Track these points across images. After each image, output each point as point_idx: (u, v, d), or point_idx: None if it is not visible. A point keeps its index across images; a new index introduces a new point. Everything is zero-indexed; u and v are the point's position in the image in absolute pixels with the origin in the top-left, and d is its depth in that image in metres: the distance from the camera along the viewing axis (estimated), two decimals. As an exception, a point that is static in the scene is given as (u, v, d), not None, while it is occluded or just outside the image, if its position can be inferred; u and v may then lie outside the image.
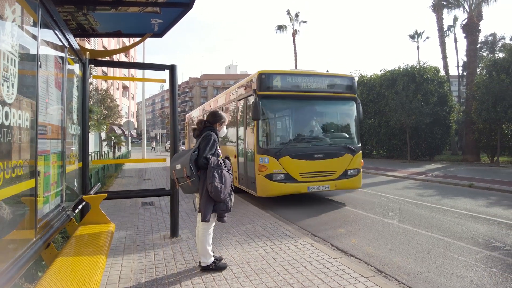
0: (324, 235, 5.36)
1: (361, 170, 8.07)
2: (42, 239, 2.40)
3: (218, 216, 3.57)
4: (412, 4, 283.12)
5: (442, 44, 25.66)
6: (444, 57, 25.88)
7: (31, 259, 2.13)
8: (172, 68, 4.95)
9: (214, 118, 3.82)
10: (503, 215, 6.64)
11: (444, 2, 24.03)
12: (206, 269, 3.65)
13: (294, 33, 36.18)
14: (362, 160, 8.15)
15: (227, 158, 3.79)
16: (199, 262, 3.73)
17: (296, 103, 7.80)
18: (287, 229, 5.36)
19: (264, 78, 7.28)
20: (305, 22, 39.57)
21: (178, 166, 3.48)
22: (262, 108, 7.10)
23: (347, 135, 8.15)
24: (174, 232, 4.98)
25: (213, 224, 3.69)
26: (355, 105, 8.09)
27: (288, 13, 36.26)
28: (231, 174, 3.57)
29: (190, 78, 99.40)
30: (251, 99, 7.45)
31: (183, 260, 4.02)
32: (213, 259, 3.69)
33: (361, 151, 8.08)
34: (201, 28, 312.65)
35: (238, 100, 8.62)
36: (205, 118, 3.90)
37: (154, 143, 50.32)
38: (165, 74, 4.99)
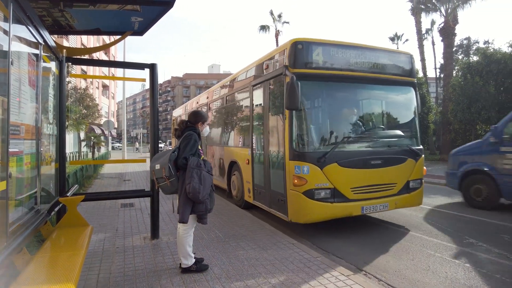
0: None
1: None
2: (14, 244, 2.31)
3: (198, 218, 3.53)
4: (392, 7, 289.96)
5: (421, 47, 26.35)
6: (423, 59, 26.58)
7: (1, 266, 2.04)
8: (152, 67, 4.87)
9: (195, 118, 3.77)
10: (478, 213, 6.89)
11: (422, 6, 24.68)
12: (186, 271, 3.61)
13: (277, 34, 36.33)
14: (424, 168, 6.06)
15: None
16: (180, 264, 3.69)
17: (344, 87, 5.60)
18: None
19: (301, 50, 5.08)
20: (288, 22, 39.91)
21: (158, 166, 3.43)
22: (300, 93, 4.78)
23: (407, 134, 6.00)
24: (154, 233, 4.90)
25: (194, 226, 3.66)
26: (414, 93, 6.07)
27: (271, 13, 36.39)
28: (211, 174, 3.53)
29: (172, 77, 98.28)
30: (278, 81, 5.46)
31: (163, 262, 3.96)
32: (193, 260, 3.64)
33: (423, 155, 6.01)
34: (183, 27, 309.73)
35: (253, 86, 6.44)
36: (187, 118, 3.85)
37: (137, 144, 48.76)
38: (146, 73, 4.91)
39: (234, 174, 7.54)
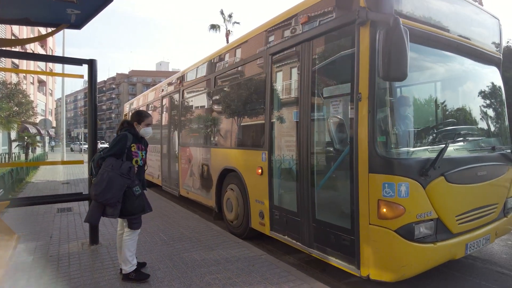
0: None
1: None
2: None
3: (128, 222, 3.48)
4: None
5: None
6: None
7: None
8: (91, 63, 4.62)
9: (132, 118, 3.68)
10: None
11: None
12: (126, 277, 3.46)
13: (228, 34, 36.36)
14: None
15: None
16: (121, 270, 3.53)
17: (448, 59, 3.79)
18: None
19: None
20: (239, 23, 40.12)
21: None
22: None
23: (501, 131, 4.45)
24: (93, 239, 4.64)
25: (136, 231, 3.52)
26: (499, 75, 4.41)
27: (222, 13, 36.32)
28: (125, 177, 3.29)
29: (117, 74, 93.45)
30: (338, 38, 3.55)
31: (102, 269, 3.76)
32: (134, 267, 3.49)
33: None
34: (131, 23, 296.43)
35: (273, 54, 4.40)
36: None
37: (74, 145, 44.76)
38: (85, 69, 4.63)
39: (231, 189, 5.39)
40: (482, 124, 4.26)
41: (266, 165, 4.40)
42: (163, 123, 9.12)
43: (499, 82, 4.42)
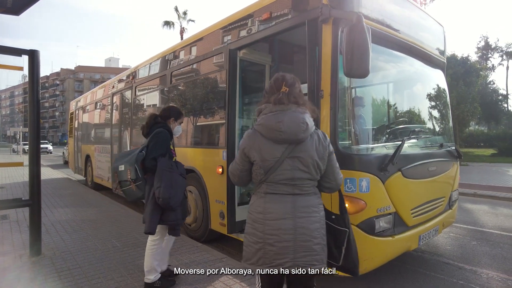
0: None
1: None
2: None
3: (169, 228, 3.14)
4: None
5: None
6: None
7: None
8: (33, 54, 4.15)
9: (167, 113, 3.35)
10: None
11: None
12: (150, 286, 3.16)
13: (182, 31, 35.60)
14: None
15: (190, 171, 3.11)
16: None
17: (400, 60, 3.98)
18: None
19: None
20: (194, 21, 39.33)
21: (122, 168, 2.98)
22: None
23: (446, 129, 4.80)
24: (35, 249, 4.17)
25: (165, 237, 3.26)
26: (444, 78, 4.77)
27: (176, 10, 35.50)
28: (184, 178, 3.13)
29: (62, 69, 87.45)
30: (297, 34, 3.56)
31: (45, 283, 3.38)
32: (159, 275, 3.21)
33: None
34: (77, 15, 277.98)
35: (236, 49, 4.33)
36: (158, 113, 3.39)
37: (16, 146, 40.11)
38: (25, 61, 4.16)
39: (189, 191, 5.12)
40: (432, 123, 4.53)
41: (227, 164, 4.28)
42: (113, 122, 8.55)
43: (444, 85, 4.78)
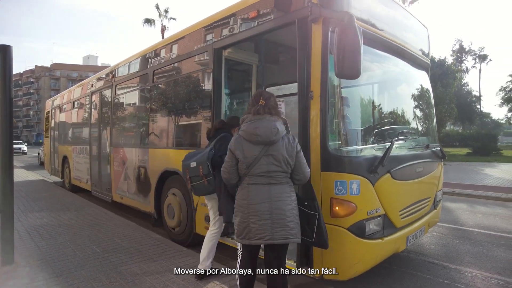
0: None
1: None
2: None
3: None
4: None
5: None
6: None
7: None
8: (4, 50, 3.91)
9: (235, 122, 3.62)
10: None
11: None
12: (204, 275, 3.49)
13: (163, 29, 35.08)
14: None
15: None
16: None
17: (388, 61, 3.96)
18: None
19: None
20: (175, 19, 38.83)
21: (193, 164, 3.31)
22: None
23: (431, 130, 4.83)
24: (6, 257, 3.91)
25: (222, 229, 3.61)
26: (428, 79, 4.80)
27: (157, 7, 34.89)
28: None
29: (36, 67, 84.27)
30: (286, 34, 3.72)
31: (19, 294, 3.18)
32: (211, 266, 3.56)
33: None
34: (53, 10, 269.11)
35: (219, 48, 4.21)
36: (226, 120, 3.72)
37: None
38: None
39: (173, 194, 4.97)
40: (418, 124, 4.56)
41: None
42: (92, 122, 8.23)
43: (429, 86, 4.82)
